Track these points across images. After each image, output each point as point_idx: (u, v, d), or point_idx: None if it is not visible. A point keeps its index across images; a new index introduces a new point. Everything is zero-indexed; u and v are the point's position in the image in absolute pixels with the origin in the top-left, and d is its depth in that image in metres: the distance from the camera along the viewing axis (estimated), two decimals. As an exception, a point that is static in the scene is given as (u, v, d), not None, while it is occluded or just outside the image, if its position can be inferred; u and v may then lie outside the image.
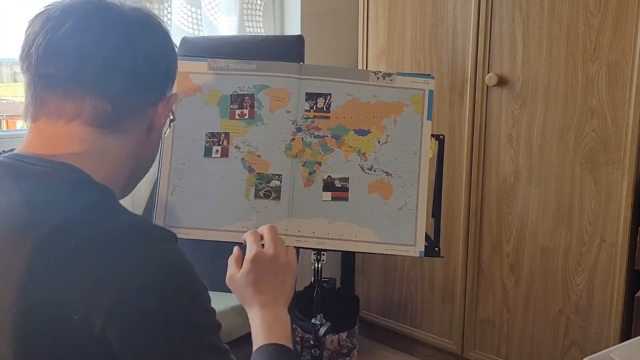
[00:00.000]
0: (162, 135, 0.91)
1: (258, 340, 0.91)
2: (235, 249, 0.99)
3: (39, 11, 0.77)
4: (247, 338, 1.66)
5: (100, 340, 0.63)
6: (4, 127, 2.08)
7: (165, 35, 0.84)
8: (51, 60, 0.74)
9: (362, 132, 1.21)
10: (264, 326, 0.91)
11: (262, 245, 0.97)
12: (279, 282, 0.95)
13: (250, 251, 0.95)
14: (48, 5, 0.77)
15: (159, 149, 0.94)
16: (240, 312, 1.67)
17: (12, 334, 0.64)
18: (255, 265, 0.94)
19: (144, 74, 0.79)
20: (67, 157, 0.74)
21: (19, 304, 0.64)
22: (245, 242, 0.98)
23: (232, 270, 0.96)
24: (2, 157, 0.75)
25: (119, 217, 0.71)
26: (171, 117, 0.92)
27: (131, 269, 0.65)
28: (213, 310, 0.73)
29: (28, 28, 0.77)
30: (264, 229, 1.00)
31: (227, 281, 0.96)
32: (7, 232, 0.67)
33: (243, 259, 0.97)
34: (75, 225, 0.67)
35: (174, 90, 0.90)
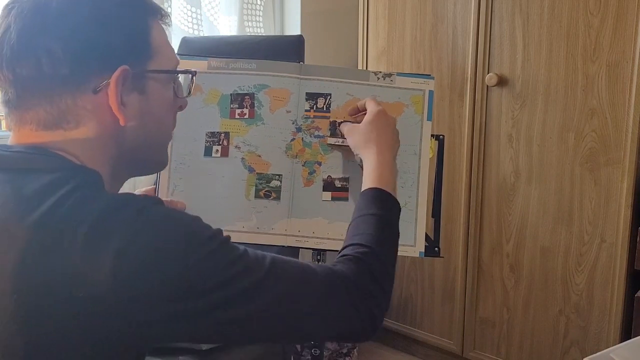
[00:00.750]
0: (183, 96, 0.88)
1: (368, 181, 0.98)
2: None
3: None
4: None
5: (111, 312, 0.65)
6: (4, 128, 2.08)
7: (77, 11, 0.74)
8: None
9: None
10: (378, 171, 0.99)
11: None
12: (391, 134, 1.06)
13: (376, 106, 1.08)
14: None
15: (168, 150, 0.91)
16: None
17: (18, 320, 0.65)
18: (379, 117, 1.06)
19: (63, 67, 0.73)
20: (51, 146, 0.75)
21: (20, 290, 0.65)
22: (364, 105, 1.11)
23: (350, 125, 1.11)
24: None
25: (104, 196, 0.72)
26: (190, 74, 0.90)
27: (127, 236, 0.66)
28: (216, 231, 0.74)
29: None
30: (369, 99, 1.12)
31: (347, 130, 1.11)
32: (0, 223, 0.68)
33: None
34: (63, 210, 0.67)
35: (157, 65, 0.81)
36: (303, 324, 0.77)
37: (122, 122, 0.76)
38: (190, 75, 0.91)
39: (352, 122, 1.13)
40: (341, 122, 1.17)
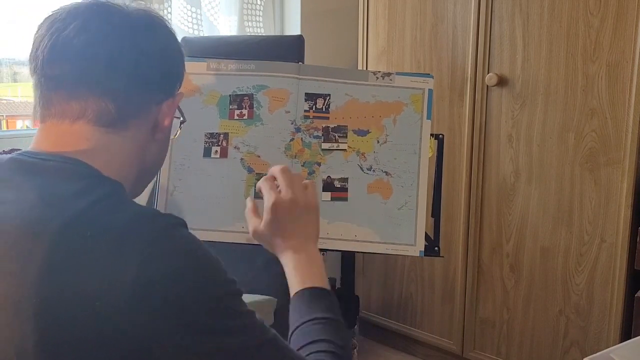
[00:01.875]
0: (172, 137, 0.92)
1: (294, 285, 0.90)
2: (249, 200, 1.00)
3: (47, 15, 0.79)
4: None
5: (125, 324, 0.64)
6: (4, 127, 2.08)
7: (169, 35, 0.85)
8: (56, 61, 0.76)
9: (361, 132, 1.21)
10: (299, 270, 0.91)
11: (279, 189, 0.95)
12: (303, 224, 0.94)
13: (269, 199, 0.94)
14: (56, 9, 0.79)
15: (168, 151, 0.95)
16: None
17: (35, 323, 0.65)
18: (275, 212, 0.93)
19: (146, 74, 0.80)
20: (77, 154, 0.76)
21: (40, 294, 0.65)
22: (260, 191, 0.97)
23: (253, 222, 0.96)
24: (14, 155, 0.77)
25: (130, 207, 0.73)
26: (181, 118, 0.94)
27: (148, 255, 0.66)
28: (232, 280, 0.74)
29: (36, 31, 0.79)
30: (276, 171, 0.97)
31: (251, 235, 0.96)
32: (24, 226, 0.68)
33: (257, 209, 0.98)
34: (89, 217, 0.68)
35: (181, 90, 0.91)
36: None
37: (158, 138, 0.85)
38: (180, 118, 0.96)
39: (254, 220, 0.97)
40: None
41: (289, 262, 0.92)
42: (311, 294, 0.88)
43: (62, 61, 0.76)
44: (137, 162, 0.83)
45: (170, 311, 0.66)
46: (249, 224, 0.97)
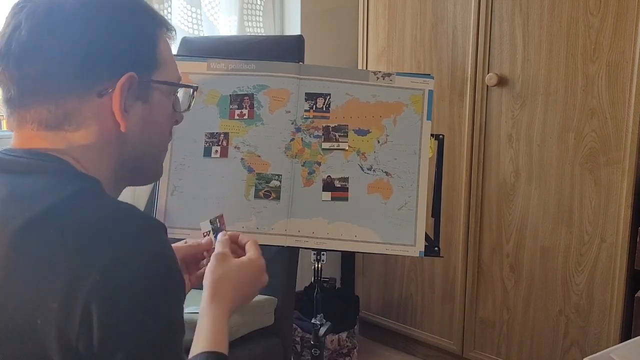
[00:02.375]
0: (183, 110, 0.88)
1: (207, 342, 0.85)
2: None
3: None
4: (247, 338, 1.66)
5: (81, 328, 0.62)
6: (3, 128, 2.07)
7: (90, 16, 0.75)
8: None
9: (361, 132, 1.21)
10: (214, 330, 0.86)
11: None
12: (246, 294, 0.93)
13: (215, 258, 0.92)
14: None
15: (168, 150, 0.90)
16: (241, 312, 1.67)
17: None
18: (213, 270, 0.91)
19: (67, 69, 0.74)
20: (52, 151, 0.75)
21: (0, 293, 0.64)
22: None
23: (223, 254, 0.93)
24: None
25: (104, 205, 0.71)
26: (191, 88, 0.89)
27: (110, 256, 0.63)
28: (175, 319, 0.70)
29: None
30: (250, 243, 0.96)
31: (214, 260, 0.93)
32: None
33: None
34: (56, 214, 0.66)
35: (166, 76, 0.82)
36: None
37: (123, 129, 0.77)
38: (191, 89, 0.91)
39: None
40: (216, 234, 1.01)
41: (209, 319, 0.87)
42: (212, 358, 0.83)
43: (15, 77, 0.74)
44: (112, 156, 0.79)
45: (124, 315, 0.63)
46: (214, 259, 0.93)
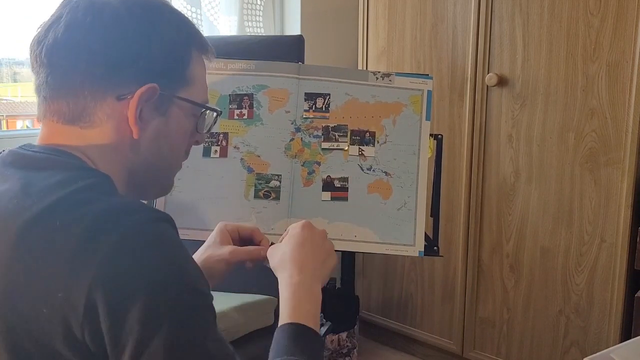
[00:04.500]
0: (204, 131, 0.88)
1: (284, 316, 0.83)
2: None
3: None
4: (247, 338, 1.66)
5: (85, 317, 0.62)
6: (4, 127, 2.08)
7: (127, 21, 0.76)
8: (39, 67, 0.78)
9: (361, 133, 1.21)
10: (293, 302, 0.84)
11: None
12: (320, 260, 0.91)
13: (303, 224, 0.93)
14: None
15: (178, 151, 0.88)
16: (241, 311, 1.68)
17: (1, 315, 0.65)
18: (302, 231, 0.92)
19: (91, 69, 0.75)
20: (68, 147, 0.76)
21: (4, 284, 0.65)
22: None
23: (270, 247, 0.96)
24: (13, 148, 0.78)
25: (112, 199, 0.70)
26: (214, 112, 0.88)
27: (113, 242, 0.63)
28: (203, 291, 0.68)
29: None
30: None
31: (269, 251, 0.95)
32: (1, 217, 0.68)
33: None
34: (64, 206, 0.67)
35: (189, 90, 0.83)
36: None
37: (135, 135, 0.78)
38: (214, 113, 0.90)
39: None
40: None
41: (287, 289, 0.86)
42: (296, 329, 0.82)
43: (44, 65, 0.77)
44: (123, 161, 0.80)
45: (130, 307, 0.62)
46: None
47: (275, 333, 0.82)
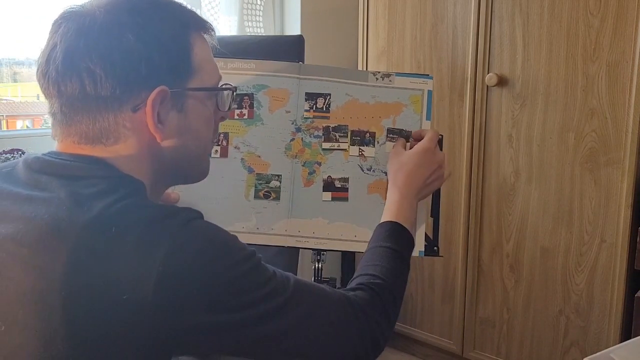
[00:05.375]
0: (225, 109, 0.89)
1: (388, 214, 1.03)
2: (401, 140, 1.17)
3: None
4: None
5: (152, 317, 0.68)
6: (4, 127, 2.08)
7: (118, 32, 0.75)
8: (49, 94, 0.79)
9: (361, 133, 1.21)
10: (399, 204, 1.04)
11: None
12: (429, 180, 1.09)
13: (430, 142, 1.10)
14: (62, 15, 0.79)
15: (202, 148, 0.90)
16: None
17: (63, 315, 0.67)
18: (424, 154, 1.09)
19: (104, 88, 0.75)
20: (99, 158, 0.79)
21: (68, 287, 0.67)
22: (422, 135, 1.14)
23: (399, 147, 1.15)
24: (38, 155, 0.79)
25: (152, 204, 0.76)
26: (231, 90, 0.90)
27: (171, 248, 0.69)
28: (251, 252, 0.77)
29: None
30: (429, 135, 1.14)
31: (392, 153, 1.14)
32: (52, 223, 0.70)
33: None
34: (114, 214, 0.71)
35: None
36: (314, 346, 0.81)
37: (159, 140, 0.80)
38: (230, 91, 0.91)
39: (400, 147, 1.16)
40: (396, 138, 1.19)
41: (393, 193, 1.07)
42: (395, 227, 1.00)
43: (55, 96, 0.78)
44: (152, 164, 0.82)
45: (196, 297, 0.70)
46: (396, 146, 1.16)
47: (376, 228, 1.01)
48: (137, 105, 0.77)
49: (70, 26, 0.76)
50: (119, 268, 0.67)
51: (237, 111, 1.19)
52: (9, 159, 1.45)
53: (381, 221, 1.03)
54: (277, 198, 1.18)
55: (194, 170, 0.90)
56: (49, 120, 0.81)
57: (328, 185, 1.19)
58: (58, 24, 0.77)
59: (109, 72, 0.75)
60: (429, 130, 1.14)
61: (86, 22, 0.76)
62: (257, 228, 1.18)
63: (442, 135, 1.25)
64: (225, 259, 0.73)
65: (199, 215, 0.77)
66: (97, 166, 0.77)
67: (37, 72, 0.79)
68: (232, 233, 0.78)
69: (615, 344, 1.37)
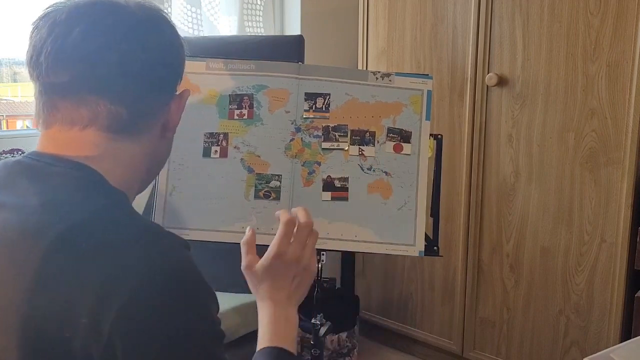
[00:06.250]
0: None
1: (264, 339, 0.88)
2: (249, 230, 0.95)
3: (43, 14, 0.75)
4: (247, 338, 1.66)
5: (107, 346, 0.62)
6: (4, 127, 2.08)
7: (172, 31, 0.82)
8: (62, 68, 0.73)
9: (361, 133, 1.21)
10: (272, 326, 0.89)
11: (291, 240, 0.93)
12: (295, 283, 0.93)
13: (277, 248, 0.90)
14: (51, 7, 0.75)
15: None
16: (240, 312, 1.68)
17: (20, 334, 0.64)
18: (277, 262, 0.90)
19: (156, 75, 0.78)
20: (84, 159, 0.74)
21: (28, 305, 0.64)
22: (278, 219, 0.93)
23: (249, 259, 0.92)
24: (19, 157, 0.76)
25: (132, 221, 0.71)
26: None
27: (141, 274, 0.64)
28: (218, 321, 0.72)
29: (33, 33, 0.75)
30: (302, 216, 0.93)
31: (243, 268, 0.93)
32: (21, 232, 0.67)
33: (254, 243, 0.94)
34: (87, 228, 0.66)
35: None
36: None
37: (169, 135, 0.85)
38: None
39: (250, 257, 0.93)
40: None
41: (265, 314, 0.91)
42: (278, 354, 0.86)
43: (70, 68, 0.73)
44: (147, 162, 0.82)
45: (154, 335, 0.64)
46: (243, 257, 0.93)
47: (255, 356, 0.86)
48: (169, 99, 0.82)
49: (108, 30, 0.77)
50: (84, 286, 0.62)
51: (237, 111, 1.19)
52: (8, 158, 1.45)
53: (258, 346, 0.88)
54: (277, 198, 1.18)
55: (155, 175, 0.92)
56: (40, 100, 0.76)
57: (328, 185, 1.19)
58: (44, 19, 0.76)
59: (165, 59, 0.80)
60: (279, 228, 0.93)
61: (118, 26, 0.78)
62: (257, 228, 1.18)
63: (441, 135, 1.25)
64: (195, 306, 0.68)
65: (183, 244, 0.71)
66: (78, 172, 0.73)
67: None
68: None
69: (615, 344, 1.37)
